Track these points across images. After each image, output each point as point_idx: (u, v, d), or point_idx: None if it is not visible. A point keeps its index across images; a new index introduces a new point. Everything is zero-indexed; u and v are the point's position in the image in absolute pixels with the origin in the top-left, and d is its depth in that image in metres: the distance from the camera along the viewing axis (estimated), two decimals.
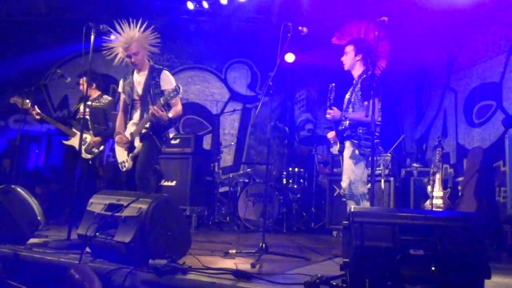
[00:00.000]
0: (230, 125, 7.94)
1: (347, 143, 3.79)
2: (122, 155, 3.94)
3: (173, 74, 4.06)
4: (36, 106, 5.08)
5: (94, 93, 5.26)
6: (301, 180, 6.23)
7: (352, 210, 2.28)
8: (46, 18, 7.03)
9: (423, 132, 6.61)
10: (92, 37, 3.79)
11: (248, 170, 6.86)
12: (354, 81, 3.91)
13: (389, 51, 3.85)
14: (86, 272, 1.19)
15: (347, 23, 3.90)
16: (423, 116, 6.69)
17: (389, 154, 5.15)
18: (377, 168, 4.94)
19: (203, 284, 2.37)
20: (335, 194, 5.38)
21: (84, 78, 4.55)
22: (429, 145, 6.29)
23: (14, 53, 7.01)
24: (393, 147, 5.27)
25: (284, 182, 6.22)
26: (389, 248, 2.08)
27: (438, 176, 4.85)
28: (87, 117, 5.03)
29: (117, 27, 3.83)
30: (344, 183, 3.74)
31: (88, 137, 5.05)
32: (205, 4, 6.98)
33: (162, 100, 3.68)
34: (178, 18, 7.56)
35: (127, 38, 3.77)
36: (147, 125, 3.79)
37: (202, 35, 7.68)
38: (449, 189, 4.94)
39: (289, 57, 7.26)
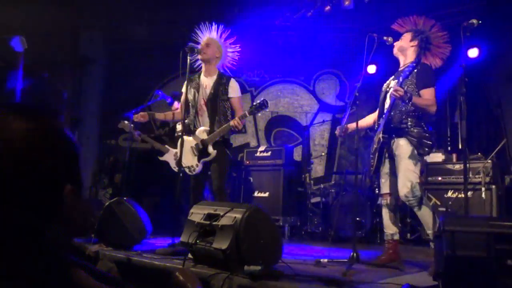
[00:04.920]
0: (320, 135, 7.98)
1: (402, 141, 3.43)
2: (190, 160, 4.17)
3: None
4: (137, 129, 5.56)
5: None
6: None
7: (442, 218, 2.24)
8: (148, 43, 7.70)
9: None
10: (188, 59, 4.06)
11: (340, 180, 6.83)
12: (400, 68, 3.71)
13: (448, 56, 3.57)
14: (189, 275, 1.37)
15: (412, 16, 3.78)
16: None
17: (489, 161, 4.84)
18: (477, 176, 4.68)
19: None
20: (431, 204, 5.16)
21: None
22: None
23: (123, 76, 7.73)
24: (495, 152, 4.94)
25: (377, 191, 6.10)
26: (484, 258, 2.02)
27: None
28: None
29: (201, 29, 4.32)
30: (405, 188, 3.31)
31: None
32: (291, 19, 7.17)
33: (248, 113, 4.00)
34: (267, 34, 7.84)
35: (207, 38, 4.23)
36: (223, 134, 4.06)
37: (290, 49, 7.86)
38: None
39: (371, 69, 6.94)
